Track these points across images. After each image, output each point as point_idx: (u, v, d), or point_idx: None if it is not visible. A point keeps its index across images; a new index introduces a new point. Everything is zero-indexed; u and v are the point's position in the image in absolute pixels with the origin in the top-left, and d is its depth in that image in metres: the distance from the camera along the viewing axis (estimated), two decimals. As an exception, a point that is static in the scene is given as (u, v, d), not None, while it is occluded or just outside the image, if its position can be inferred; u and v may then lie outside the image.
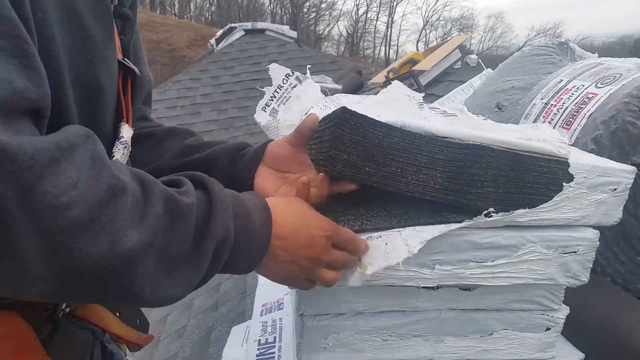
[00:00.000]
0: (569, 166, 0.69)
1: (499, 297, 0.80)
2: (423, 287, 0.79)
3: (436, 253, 0.72)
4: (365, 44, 33.52)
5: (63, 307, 0.65)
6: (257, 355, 1.37)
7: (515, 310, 0.81)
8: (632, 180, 0.74)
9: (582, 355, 0.84)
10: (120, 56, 0.65)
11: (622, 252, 1.05)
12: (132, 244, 0.44)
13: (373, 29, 32.97)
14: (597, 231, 0.74)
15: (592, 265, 0.75)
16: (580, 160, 0.71)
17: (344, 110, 0.64)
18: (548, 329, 0.82)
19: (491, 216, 0.69)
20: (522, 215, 0.70)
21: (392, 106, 0.82)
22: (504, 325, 0.81)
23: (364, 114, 0.65)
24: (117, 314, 0.73)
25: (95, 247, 0.42)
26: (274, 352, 1.37)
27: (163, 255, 0.48)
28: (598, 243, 0.74)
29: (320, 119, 0.74)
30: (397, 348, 0.81)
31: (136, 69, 0.68)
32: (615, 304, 0.90)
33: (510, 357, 0.82)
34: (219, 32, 7.51)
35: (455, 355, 0.82)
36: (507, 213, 0.69)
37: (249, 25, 7.01)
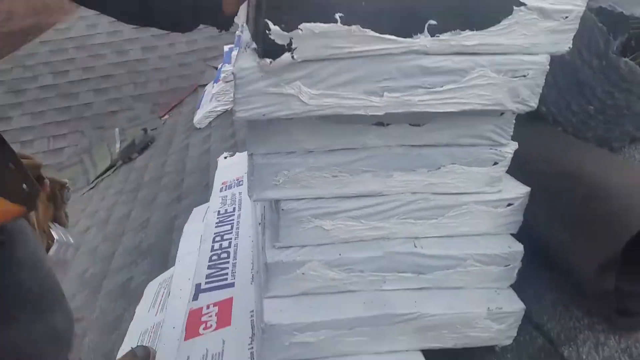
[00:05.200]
0: None
1: (447, 132, 0.80)
2: (373, 125, 0.78)
3: (385, 80, 0.70)
4: None
5: None
6: (216, 224, 1.38)
7: (464, 145, 0.81)
8: (584, 9, 0.72)
9: (528, 189, 0.86)
10: None
11: (574, 100, 1.06)
12: None
13: None
14: (548, 55, 0.73)
15: (541, 91, 0.74)
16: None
17: None
18: (496, 163, 0.83)
19: (437, 36, 0.67)
20: (470, 37, 0.68)
21: None
22: (451, 159, 0.82)
23: None
24: None
25: None
26: (232, 219, 1.38)
27: None
28: (548, 67, 0.73)
29: None
30: (347, 183, 0.81)
31: None
32: (563, 143, 0.91)
33: (457, 191, 0.84)
34: None
35: (403, 188, 0.83)
36: (454, 32, 0.67)
37: None
